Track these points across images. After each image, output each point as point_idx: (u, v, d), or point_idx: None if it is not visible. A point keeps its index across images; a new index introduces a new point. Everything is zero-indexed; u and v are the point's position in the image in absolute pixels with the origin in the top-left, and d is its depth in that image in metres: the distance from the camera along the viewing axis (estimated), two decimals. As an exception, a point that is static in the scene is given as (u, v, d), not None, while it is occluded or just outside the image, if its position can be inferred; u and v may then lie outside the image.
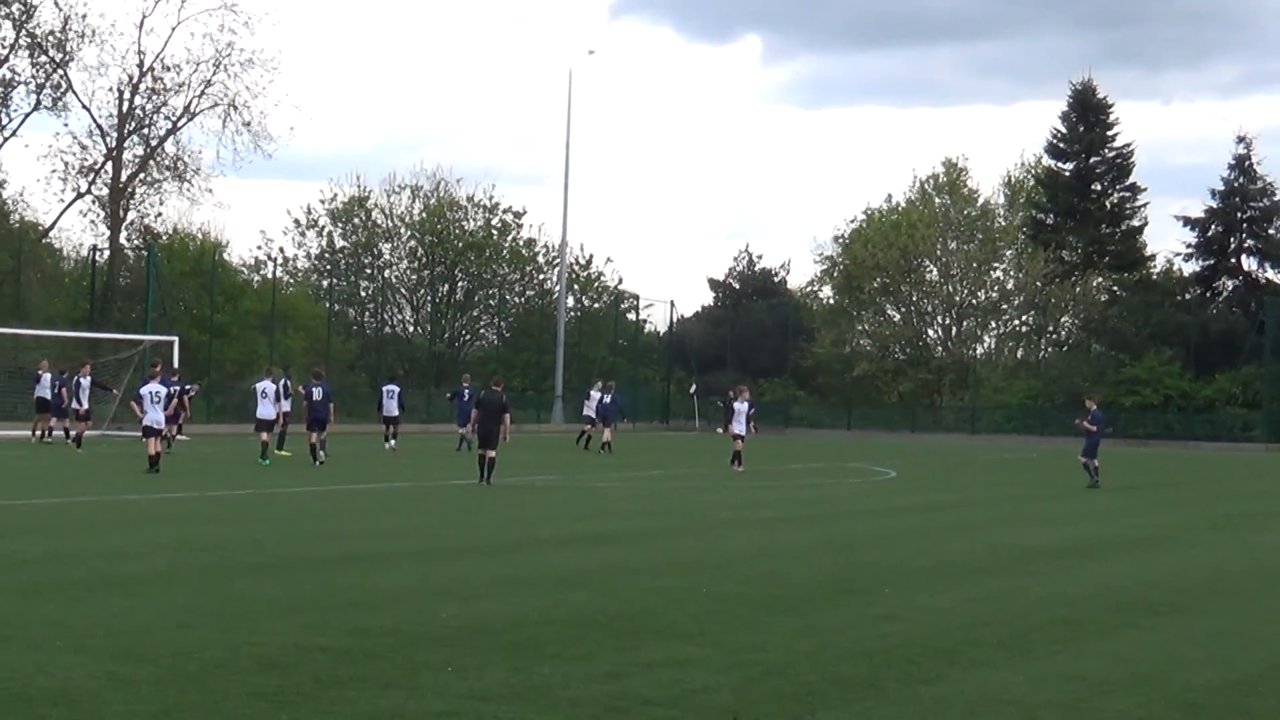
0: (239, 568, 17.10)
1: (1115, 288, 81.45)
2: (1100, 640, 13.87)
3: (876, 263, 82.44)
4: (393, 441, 45.42)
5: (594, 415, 50.64)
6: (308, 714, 10.01)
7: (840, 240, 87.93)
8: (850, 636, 13.54)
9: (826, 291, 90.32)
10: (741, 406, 40.46)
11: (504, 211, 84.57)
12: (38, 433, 45.34)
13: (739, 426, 40.05)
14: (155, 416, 33.64)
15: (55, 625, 12.95)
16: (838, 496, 32.61)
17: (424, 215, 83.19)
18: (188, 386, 43.57)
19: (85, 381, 43.95)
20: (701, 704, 10.63)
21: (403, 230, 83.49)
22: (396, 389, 46.93)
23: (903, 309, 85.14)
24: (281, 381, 39.95)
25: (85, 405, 43.83)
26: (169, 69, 68.23)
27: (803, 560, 19.35)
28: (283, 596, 14.93)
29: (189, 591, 15.08)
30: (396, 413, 46.50)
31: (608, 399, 50.28)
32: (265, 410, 38.39)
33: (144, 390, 34.25)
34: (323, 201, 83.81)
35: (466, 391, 45.21)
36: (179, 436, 43.49)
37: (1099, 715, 10.75)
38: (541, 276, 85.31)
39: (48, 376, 45.90)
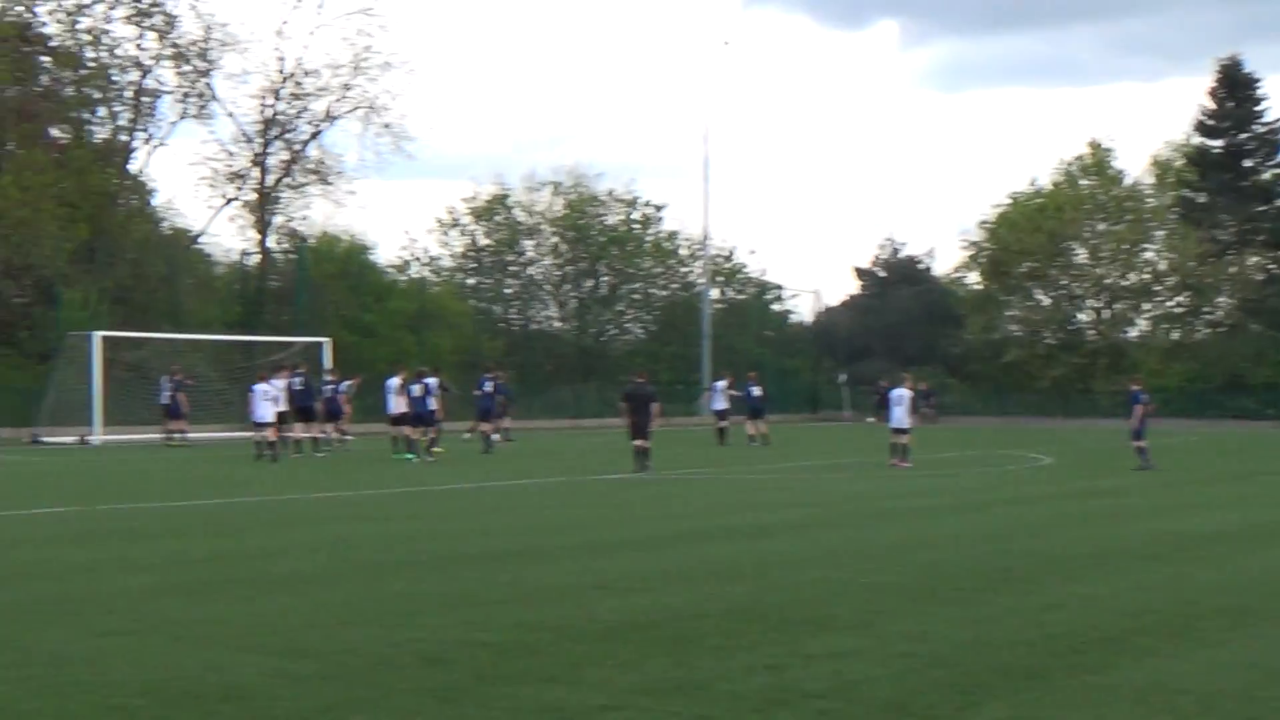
0: (398, 564, 17.29)
1: (1272, 265, 79.78)
2: (1273, 627, 13.59)
3: (1023, 247, 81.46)
4: (496, 436, 45.84)
5: (724, 408, 50.36)
6: (471, 709, 10.10)
7: (985, 225, 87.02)
8: (1012, 626, 13.39)
9: (973, 277, 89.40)
10: (901, 393, 37.89)
11: (644, 205, 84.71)
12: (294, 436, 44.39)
13: (900, 418, 37.53)
14: (261, 413, 38.67)
15: (223, 623, 13.20)
16: (993, 484, 32.28)
17: (565, 211, 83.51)
18: (345, 384, 44.12)
19: (296, 382, 42.43)
20: (863, 695, 10.57)
21: (545, 227, 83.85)
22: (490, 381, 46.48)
23: (1052, 293, 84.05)
24: (428, 380, 40.32)
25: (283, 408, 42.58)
26: (309, 74, 69.15)
27: (960, 549, 19.18)
28: (442, 592, 15.08)
29: (351, 588, 15.28)
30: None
31: (757, 390, 50.05)
32: (395, 406, 39.35)
33: (256, 388, 39.27)
34: (465, 200, 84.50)
35: (332, 388, 44.18)
36: (345, 437, 44.01)
37: (1278, 704, 10.53)
38: (685, 270, 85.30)
39: (280, 382, 44.59)
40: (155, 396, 48.29)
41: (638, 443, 33.93)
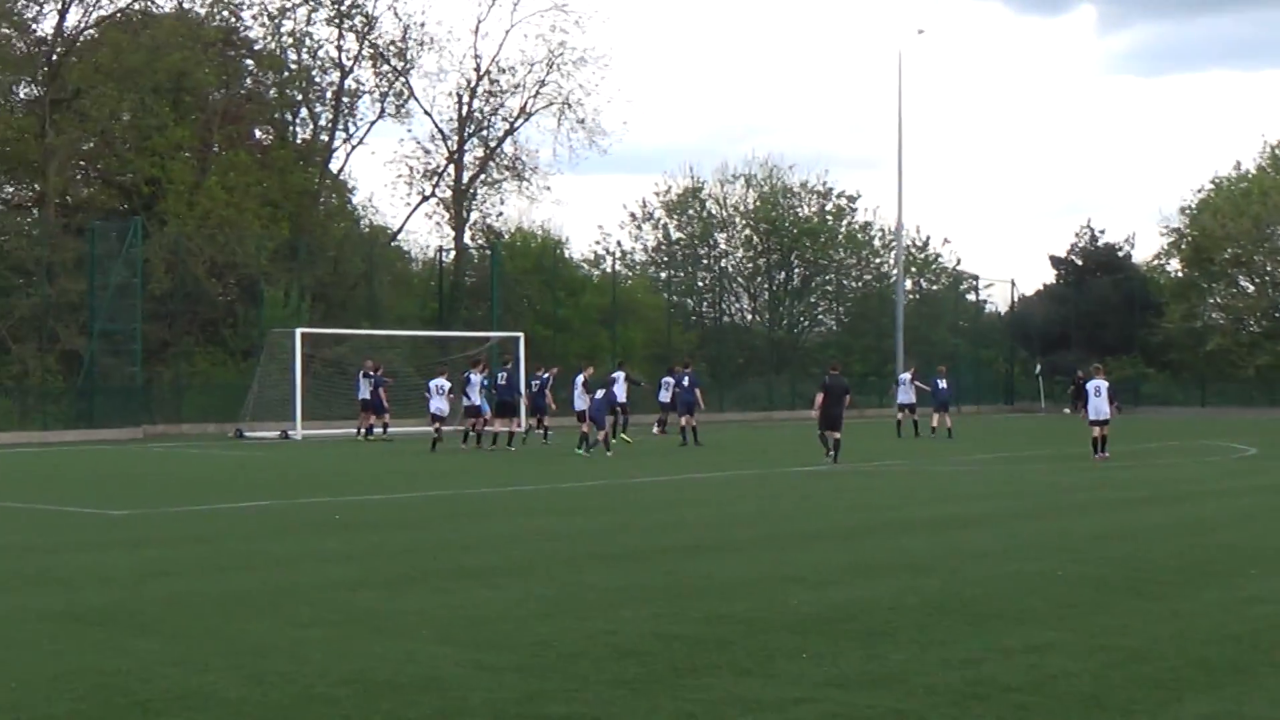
0: (592, 558, 17.42)
1: None
2: None
3: (1227, 233, 79.51)
4: (657, 429, 48.49)
5: (909, 401, 49.71)
6: (666, 701, 10.14)
7: (1187, 211, 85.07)
8: (1215, 620, 13.11)
9: (1174, 264, 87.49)
10: (1099, 384, 36.61)
11: (837, 196, 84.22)
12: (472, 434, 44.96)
13: (1101, 409, 36.11)
14: (438, 405, 41.64)
15: (420, 615, 13.40)
16: (1195, 476, 31.60)
17: (758, 203, 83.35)
18: (543, 375, 44.52)
19: (475, 379, 42.46)
20: (1062, 690, 10.42)
21: (737, 219, 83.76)
22: (688, 376, 46.39)
23: (1257, 280, 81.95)
24: (616, 374, 40.81)
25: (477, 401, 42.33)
26: (504, 71, 69.81)
27: (1160, 542, 18.81)
28: (635, 585, 15.15)
29: (545, 581, 15.43)
30: (667, 400, 48.62)
31: (942, 384, 49.51)
32: (581, 402, 39.67)
33: (431, 383, 42.08)
34: (657, 194, 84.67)
35: (537, 381, 44.02)
36: (551, 432, 44.37)
37: None
38: (878, 260, 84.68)
39: (477, 378, 44.94)
40: (354, 391, 49.24)
41: (830, 433, 34.09)
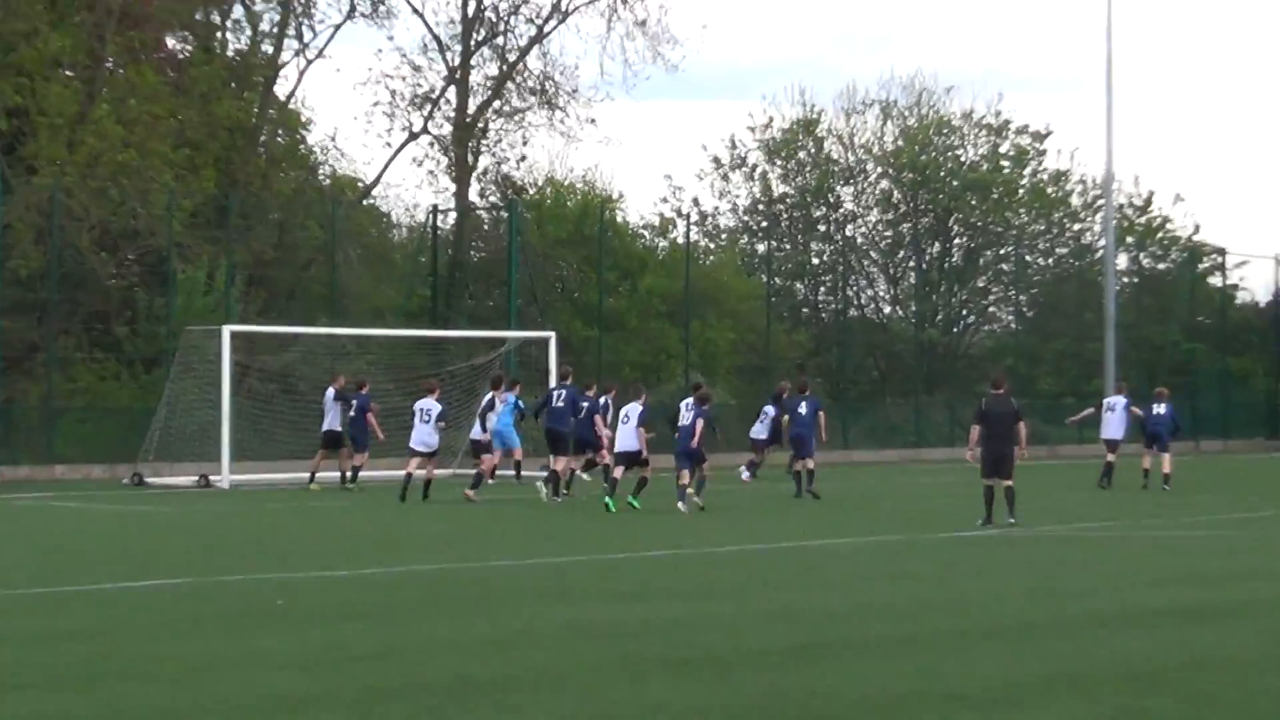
0: (656, 663, 17.28)
1: None
2: None
3: None
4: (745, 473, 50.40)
5: (1117, 438, 49.74)
6: None
7: None
8: None
9: None
10: None
11: (1018, 133, 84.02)
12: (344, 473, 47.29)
13: None
14: (421, 437, 42.74)
15: None
16: None
17: (900, 143, 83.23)
18: (597, 399, 44.61)
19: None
20: None
21: (870, 166, 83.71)
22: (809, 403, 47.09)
23: None
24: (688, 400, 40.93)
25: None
26: (530, -50, 70.09)
27: None
28: (720, 705, 15.04)
29: (586, 700, 15.34)
30: (764, 436, 51.65)
31: (1161, 409, 49.27)
32: (633, 439, 39.82)
33: (416, 405, 43.04)
34: (752, 130, 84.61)
35: (585, 405, 44.45)
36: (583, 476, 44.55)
37: None
38: (1078, 227, 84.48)
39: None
40: (321, 419, 48.71)
41: (997, 482, 33.79)
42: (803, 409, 44.90)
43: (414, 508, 40.18)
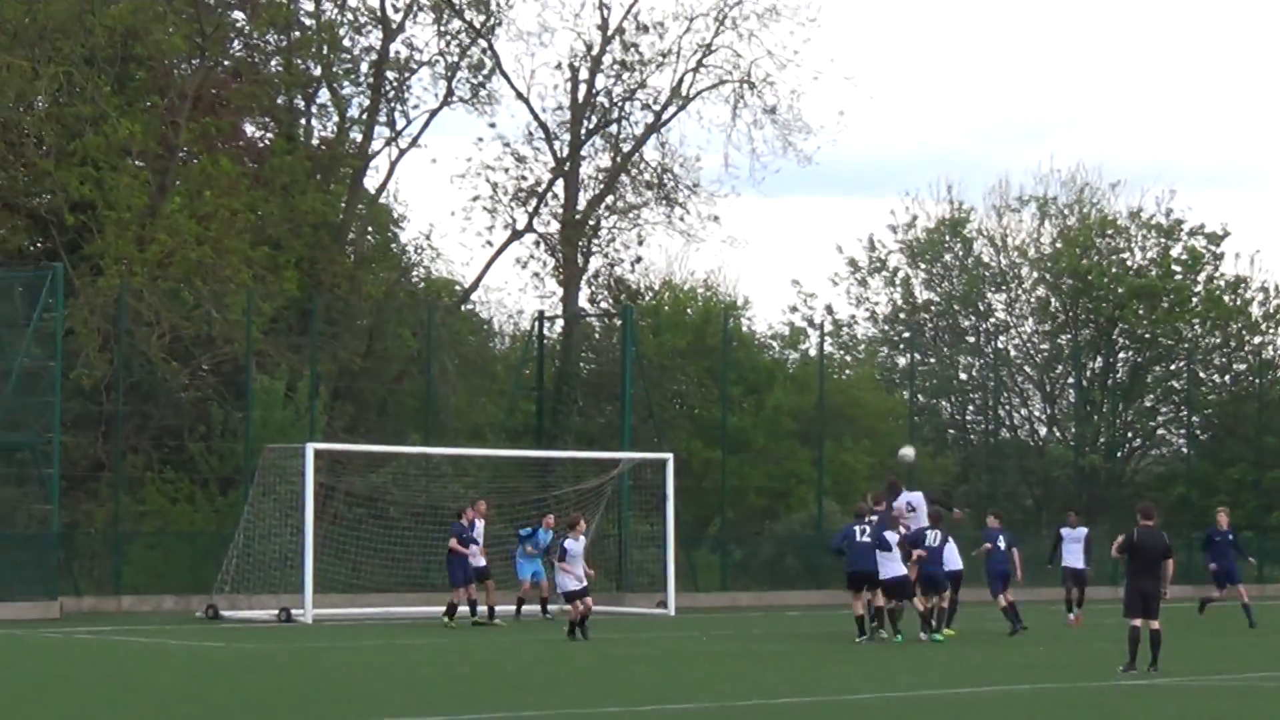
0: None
1: None
2: None
3: None
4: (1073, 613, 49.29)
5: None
6: None
7: None
8: None
9: None
10: None
11: (1191, 234, 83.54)
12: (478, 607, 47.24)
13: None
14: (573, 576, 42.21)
15: None
16: None
17: (1058, 245, 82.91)
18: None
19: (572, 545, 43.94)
20: None
21: (1025, 270, 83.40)
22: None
23: None
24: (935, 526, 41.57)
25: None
26: (646, 29, 70.14)
27: None
28: None
29: None
30: (1081, 566, 50.74)
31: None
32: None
33: (565, 543, 42.64)
34: (893, 229, 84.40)
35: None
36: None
37: None
38: (1258, 340, 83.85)
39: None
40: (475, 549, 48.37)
41: (1145, 623, 33.59)
42: (1000, 542, 45.06)
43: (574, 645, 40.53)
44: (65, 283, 52.21)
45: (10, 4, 57.04)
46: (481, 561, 47.54)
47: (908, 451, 50.99)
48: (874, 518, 42.32)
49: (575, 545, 42.68)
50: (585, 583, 42.76)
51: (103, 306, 55.49)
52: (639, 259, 72.51)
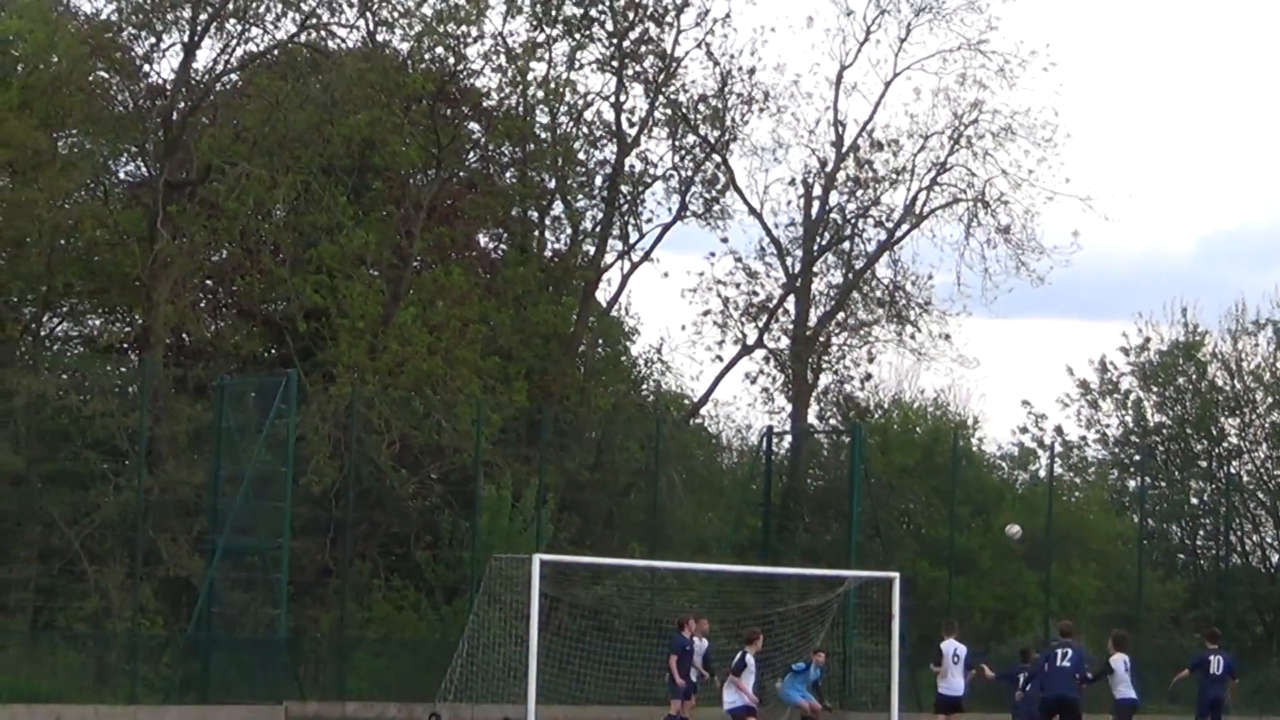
0: None
1: None
2: None
3: None
4: None
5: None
6: None
7: None
8: None
9: None
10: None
11: None
12: None
13: None
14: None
15: None
16: None
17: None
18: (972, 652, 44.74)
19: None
20: None
21: (1259, 395, 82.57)
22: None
23: None
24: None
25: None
26: (881, 147, 70.37)
27: None
28: None
29: None
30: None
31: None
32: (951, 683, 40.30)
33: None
34: (1126, 352, 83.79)
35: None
36: None
37: None
38: None
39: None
40: (687, 663, 48.39)
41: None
42: (1219, 666, 44.15)
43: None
44: (298, 389, 52.93)
45: (251, 114, 57.61)
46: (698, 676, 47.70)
47: (1014, 529, 51.00)
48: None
49: (752, 661, 42.82)
50: (756, 701, 43.08)
51: (334, 414, 55.90)
52: (869, 376, 72.56)
